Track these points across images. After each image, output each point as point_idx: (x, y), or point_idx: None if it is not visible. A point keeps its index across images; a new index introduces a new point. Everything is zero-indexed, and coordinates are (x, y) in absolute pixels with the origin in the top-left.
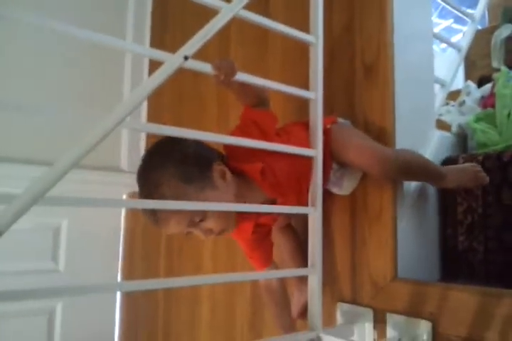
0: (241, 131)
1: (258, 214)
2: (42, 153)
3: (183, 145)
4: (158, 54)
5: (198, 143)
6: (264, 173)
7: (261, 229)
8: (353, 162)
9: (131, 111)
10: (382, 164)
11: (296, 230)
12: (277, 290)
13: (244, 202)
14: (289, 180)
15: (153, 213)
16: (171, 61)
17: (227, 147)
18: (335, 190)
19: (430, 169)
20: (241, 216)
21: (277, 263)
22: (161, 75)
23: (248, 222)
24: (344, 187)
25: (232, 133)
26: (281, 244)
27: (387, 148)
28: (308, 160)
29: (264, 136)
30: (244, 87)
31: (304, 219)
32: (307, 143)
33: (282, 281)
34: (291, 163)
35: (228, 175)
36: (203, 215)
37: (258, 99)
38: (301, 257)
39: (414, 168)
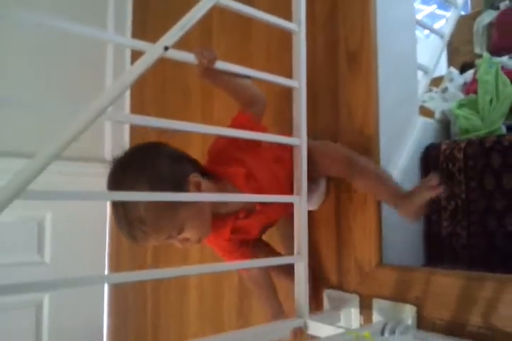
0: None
1: (236, 217)
2: (24, 145)
3: (156, 162)
4: (139, 44)
5: (172, 157)
6: (248, 178)
7: (237, 236)
8: (319, 164)
9: (113, 102)
10: (342, 158)
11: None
12: (262, 279)
13: (221, 207)
14: (271, 187)
15: (131, 234)
16: (151, 52)
17: (211, 151)
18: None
19: (387, 180)
20: (217, 220)
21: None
22: (141, 66)
23: (225, 225)
24: (313, 203)
25: (217, 139)
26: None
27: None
28: (288, 168)
29: (248, 146)
30: (231, 83)
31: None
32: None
33: (266, 270)
34: (272, 170)
35: (204, 185)
36: (181, 228)
37: (248, 98)
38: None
39: (371, 170)
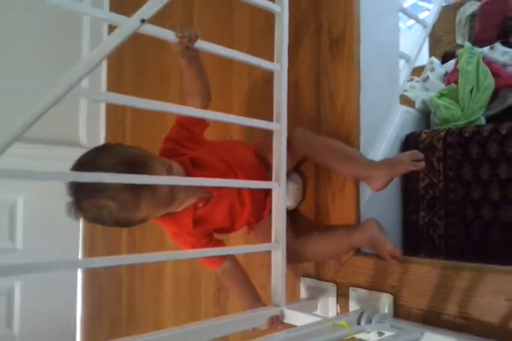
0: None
1: (195, 208)
2: None
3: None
4: (115, 17)
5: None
6: (194, 163)
7: (201, 227)
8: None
9: (82, 77)
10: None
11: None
12: (235, 271)
13: (177, 206)
14: (224, 172)
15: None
16: (127, 24)
17: (162, 149)
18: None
19: (353, 154)
20: (177, 216)
21: None
22: (115, 39)
23: (186, 215)
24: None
25: (163, 142)
26: None
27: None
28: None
29: (193, 143)
30: (202, 70)
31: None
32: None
33: (238, 262)
34: (219, 156)
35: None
36: None
37: (205, 90)
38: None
39: (336, 148)
